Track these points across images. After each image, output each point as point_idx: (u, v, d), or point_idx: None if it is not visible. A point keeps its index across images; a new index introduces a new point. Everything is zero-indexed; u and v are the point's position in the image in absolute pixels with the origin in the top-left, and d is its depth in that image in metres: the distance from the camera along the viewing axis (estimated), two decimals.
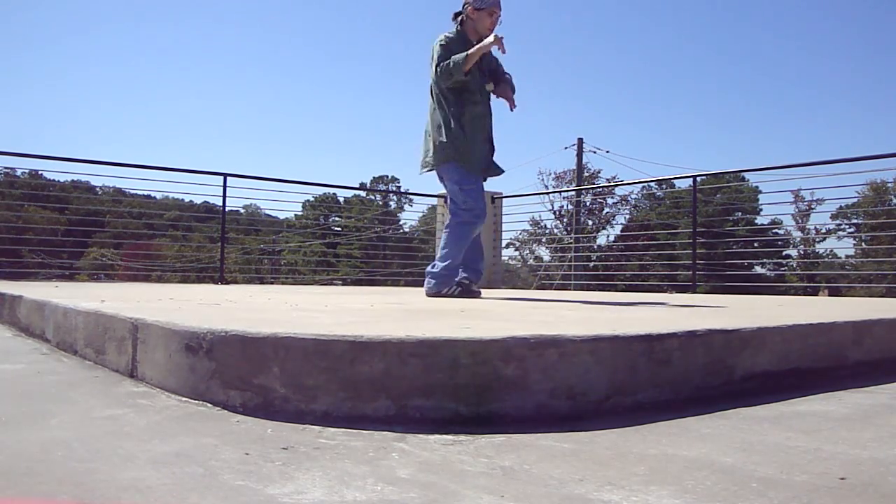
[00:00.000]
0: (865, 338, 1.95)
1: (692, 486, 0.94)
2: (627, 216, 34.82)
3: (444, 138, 3.58)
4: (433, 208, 9.38)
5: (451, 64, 3.48)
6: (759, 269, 28.89)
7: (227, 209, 7.82)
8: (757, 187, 29.40)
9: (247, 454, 1.06)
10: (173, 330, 1.50)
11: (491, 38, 3.44)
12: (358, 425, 1.24)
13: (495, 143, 3.80)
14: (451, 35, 3.65)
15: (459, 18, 3.68)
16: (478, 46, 3.48)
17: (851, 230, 27.31)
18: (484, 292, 5.17)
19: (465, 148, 3.57)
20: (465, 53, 3.49)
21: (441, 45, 3.58)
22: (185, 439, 1.14)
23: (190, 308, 2.14)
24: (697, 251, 8.86)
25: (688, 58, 64.51)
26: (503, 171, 3.88)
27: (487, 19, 3.56)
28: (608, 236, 33.68)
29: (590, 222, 32.55)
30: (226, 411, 1.34)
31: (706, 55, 64.11)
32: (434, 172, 3.73)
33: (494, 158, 3.81)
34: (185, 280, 13.37)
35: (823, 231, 27.05)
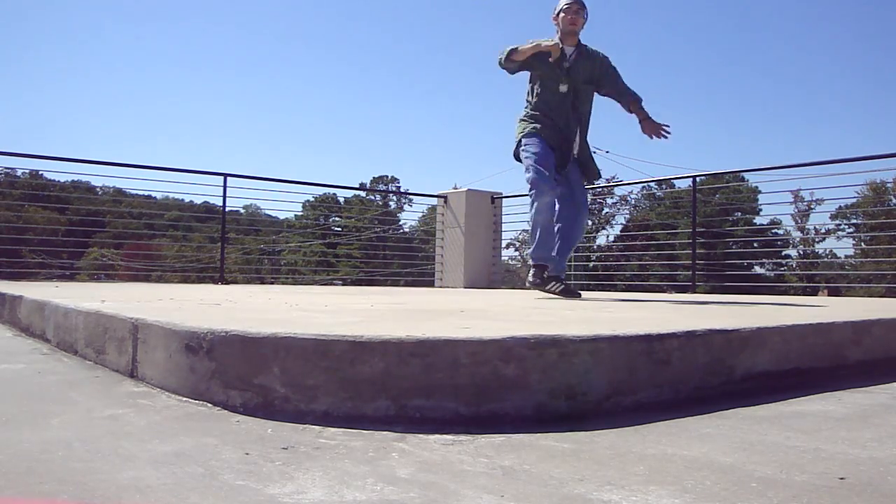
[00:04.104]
0: (865, 338, 1.95)
1: (692, 486, 0.94)
2: (627, 216, 34.82)
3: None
4: (433, 208, 9.37)
5: (504, 50, 3.70)
6: (758, 269, 28.91)
7: (227, 209, 7.82)
8: (756, 187, 29.46)
9: (247, 454, 1.06)
10: (173, 330, 1.50)
11: (547, 42, 3.66)
12: (358, 425, 1.24)
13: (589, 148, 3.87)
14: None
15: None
16: (531, 45, 3.66)
17: (851, 230, 27.32)
18: (483, 292, 5.18)
19: (529, 123, 3.75)
20: (515, 47, 3.67)
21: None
22: (186, 439, 1.14)
23: (190, 308, 2.14)
24: (697, 251, 8.86)
25: (687, 58, 64.58)
26: (597, 175, 3.95)
27: (565, 19, 3.73)
28: (608, 236, 33.72)
29: (589, 222, 32.53)
30: (226, 411, 1.34)
31: (706, 55, 64.17)
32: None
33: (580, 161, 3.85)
34: (185, 280, 13.37)
35: (823, 231, 27.07)
